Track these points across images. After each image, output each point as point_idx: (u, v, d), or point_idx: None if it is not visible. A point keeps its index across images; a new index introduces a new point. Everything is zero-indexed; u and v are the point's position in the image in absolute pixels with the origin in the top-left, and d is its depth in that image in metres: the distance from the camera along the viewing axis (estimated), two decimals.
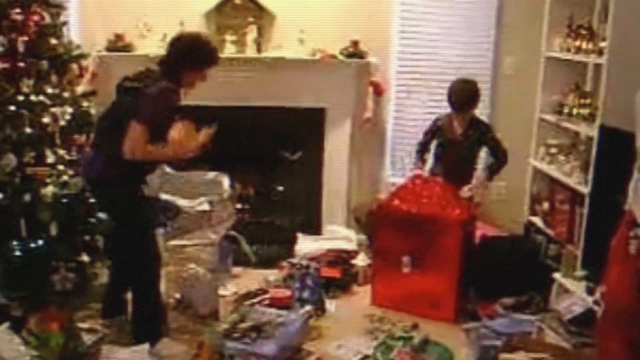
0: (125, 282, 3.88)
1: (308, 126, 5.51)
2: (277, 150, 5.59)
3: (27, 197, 3.99)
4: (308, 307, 4.26)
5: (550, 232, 4.89)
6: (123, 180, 3.65)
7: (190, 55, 3.75)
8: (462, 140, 4.82)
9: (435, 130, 4.94)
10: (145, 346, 3.65)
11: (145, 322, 3.81)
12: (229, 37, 5.19)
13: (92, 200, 4.13)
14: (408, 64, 5.54)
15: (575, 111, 4.78)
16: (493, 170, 4.84)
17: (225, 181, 4.70)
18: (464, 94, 4.75)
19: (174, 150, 3.69)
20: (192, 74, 3.76)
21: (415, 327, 4.28)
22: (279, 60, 5.20)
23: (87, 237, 4.35)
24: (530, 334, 3.90)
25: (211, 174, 4.72)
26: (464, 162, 4.78)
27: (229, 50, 5.18)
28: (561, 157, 4.88)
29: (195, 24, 5.16)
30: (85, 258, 4.33)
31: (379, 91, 5.43)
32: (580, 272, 4.36)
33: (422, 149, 4.99)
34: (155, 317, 3.88)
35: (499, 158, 4.82)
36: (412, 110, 5.62)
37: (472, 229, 4.71)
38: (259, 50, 5.25)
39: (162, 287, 4.18)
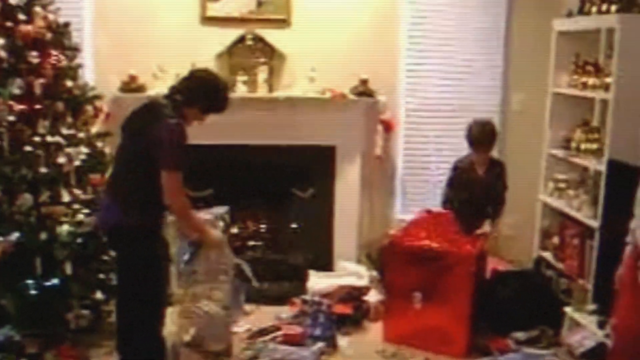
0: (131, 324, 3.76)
1: (319, 164, 5.57)
2: (288, 187, 5.64)
3: (43, 236, 4.05)
4: (320, 344, 4.28)
5: (560, 266, 4.90)
6: (144, 226, 3.59)
7: (205, 97, 3.71)
8: (484, 178, 4.89)
9: (456, 177, 4.99)
10: None
11: None
12: (240, 78, 5.28)
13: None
14: (417, 101, 5.61)
15: (583, 146, 4.82)
16: (498, 211, 4.94)
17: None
18: (484, 134, 4.82)
19: (205, 234, 3.83)
20: (197, 114, 3.73)
21: None
22: (290, 100, 5.29)
23: (101, 275, 4.39)
24: None
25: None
26: (486, 199, 4.88)
27: (240, 90, 5.26)
28: (570, 192, 4.91)
29: (208, 65, 5.20)
30: (99, 295, 4.38)
31: (388, 128, 5.50)
32: (591, 306, 4.37)
33: (446, 199, 5.02)
34: (159, 357, 3.81)
35: (503, 199, 4.93)
36: (422, 146, 5.68)
37: (484, 264, 4.73)
38: (270, 89, 5.34)
39: (175, 325, 4.22)
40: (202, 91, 3.71)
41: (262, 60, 5.30)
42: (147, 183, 3.52)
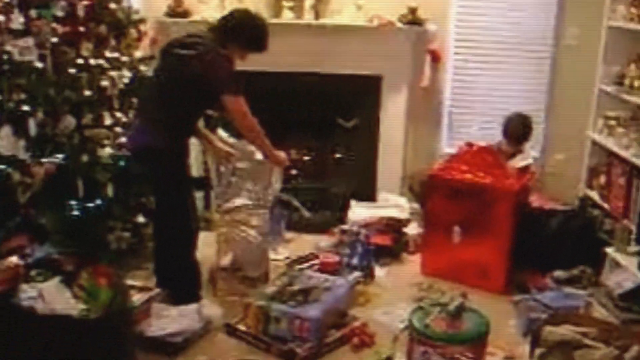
0: (166, 246, 3.95)
1: (364, 94, 5.49)
2: (333, 117, 5.58)
3: (85, 158, 4.10)
4: (357, 274, 4.30)
5: (606, 206, 4.80)
6: (172, 149, 3.71)
7: (243, 34, 3.78)
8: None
9: None
10: (194, 306, 3.74)
11: (183, 285, 3.91)
12: (286, 3, 5.19)
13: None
14: (466, 31, 5.45)
15: (636, 83, 4.66)
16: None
17: None
18: (519, 129, 4.98)
19: (272, 153, 3.99)
20: (237, 50, 3.78)
21: (463, 296, 4.22)
22: (337, 27, 5.19)
23: (142, 199, 4.46)
24: (578, 309, 3.86)
25: None
26: None
27: (286, 16, 5.19)
28: (620, 130, 4.77)
29: None
30: (140, 219, 4.45)
31: (436, 59, 5.37)
32: (633, 247, 4.28)
33: None
34: (193, 280, 3.98)
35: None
36: (470, 79, 5.54)
37: (526, 199, 4.66)
38: (316, 16, 5.25)
39: (213, 249, 4.28)
40: (241, 28, 3.79)
41: None
42: (182, 109, 3.69)
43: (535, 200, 4.90)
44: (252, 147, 4.24)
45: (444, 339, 3.28)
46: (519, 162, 4.76)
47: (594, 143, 5.08)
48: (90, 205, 4.10)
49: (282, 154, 4.14)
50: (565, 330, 3.27)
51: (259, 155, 4.17)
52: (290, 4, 5.19)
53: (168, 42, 3.86)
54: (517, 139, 4.99)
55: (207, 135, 4.20)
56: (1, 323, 2.84)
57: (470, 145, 4.70)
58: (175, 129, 3.71)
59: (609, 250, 4.47)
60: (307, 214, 5.03)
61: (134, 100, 4.45)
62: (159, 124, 3.70)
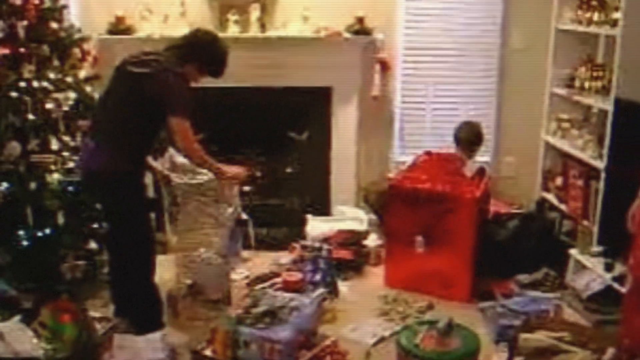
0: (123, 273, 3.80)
1: (315, 106, 5.42)
2: (284, 130, 5.49)
3: (32, 185, 3.93)
4: (321, 290, 4.19)
5: (564, 207, 4.82)
6: (131, 172, 3.59)
7: (205, 56, 3.70)
8: None
9: None
10: (158, 334, 3.59)
11: (144, 312, 3.76)
12: (232, 17, 5.08)
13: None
14: (414, 39, 5.42)
15: (587, 84, 4.71)
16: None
17: None
18: (469, 135, 5.02)
19: (221, 171, 3.85)
20: (194, 73, 3.70)
21: (430, 307, 4.23)
22: (284, 40, 5.10)
23: (94, 225, 4.28)
24: (547, 312, 3.84)
25: None
26: None
27: (232, 30, 5.08)
28: (574, 132, 4.81)
29: (198, 4, 5.09)
30: (93, 245, 4.28)
31: (386, 68, 5.33)
32: (597, 248, 4.29)
33: None
34: (154, 306, 3.84)
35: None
36: (420, 87, 5.51)
37: (486, 206, 4.65)
38: (263, 29, 5.15)
39: (173, 272, 4.14)
40: (201, 50, 3.70)
41: None
42: (140, 129, 3.58)
43: (492, 205, 4.88)
44: None
45: (435, 358, 3.24)
46: (470, 168, 4.74)
47: (548, 145, 5.10)
48: (41, 234, 3.93)
49: (233, 168, 4.04)
50: (540, 336, 3.25)
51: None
52: (236, 17, 5.08)
53: (123, 59, 3.71)
54: (468, 146, 5.00)
55: None
56: None
57: (428, 153, 4.66)
58: (132, 150, 3.58)
59: (572, 251, 4.48)
60: (253, 243, 4.91)
61: (81, 122, 4.26)
62: (115, 145, 3.55)
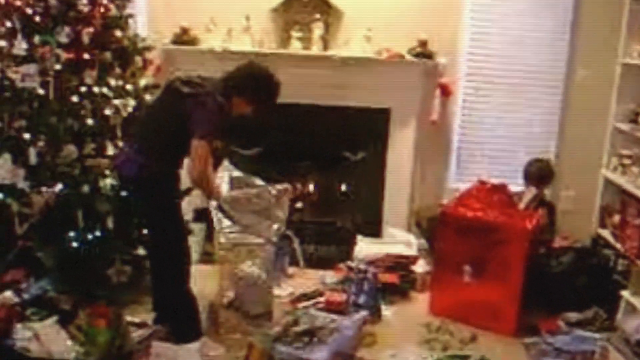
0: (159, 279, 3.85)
1: (372, 126, 5.39)
2: (339, 150, 5.47)
3: (85, 189, 3.99)
4: (363, 313, 4.15)
5: (619, 246, 4.67)
6: (164, 177, 3.62)
7: (256, 91, 3.70)
8: None
9: None
10: (196, 345, 3.60)
11: (182, 321, 3.78)
12: (295, 33, 5.11)
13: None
14: (478, 65, 5.36)
15: None
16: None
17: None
18: (541, 171, 4.97)
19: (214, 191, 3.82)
20: (243, 105, 3.72)
21: (473, 339, 4.14)
22: (345, 59, 5.10)
23: (143, 231, 4.32)
24: (593, 354, 3.72)
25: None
26: None
27: (294, 47, 5.10)
28: (635, 169, 4.67)
29: (262, 19, 5.12)
30: (141, 251, 4.32)
31: (446, 93, 5.28)
32: None
33: None
34: (191, 314, 3.85)
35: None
36: (481, 113, 5.45)
37: (540, 239, 4.54)
38: (325, 47, 5.16)
39: (216, 285, 4.15)
40: (253, 84, 3.71)
41: (318, 16, 5.10)
42: (175, 142, 3.59)
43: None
44: (257, 181, 4.15)
45: None
46: (524, 201, 4.65)
47: (607, 181, 4.97)
48: (90, 237, 3.99)
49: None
50: None
51: (263, 189, 4.06)
52: (299, 34, 5.11)
53: (176, 76, 3.77)
54: (538, 182, 4.94)
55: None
56: None
57: (482, 182, 4.58)
58: (164, 161, 3.61)
59: (625, 293, 4.33)
60: (302, 264, 4.90)
61: None
62: (148, 154, 3.61)
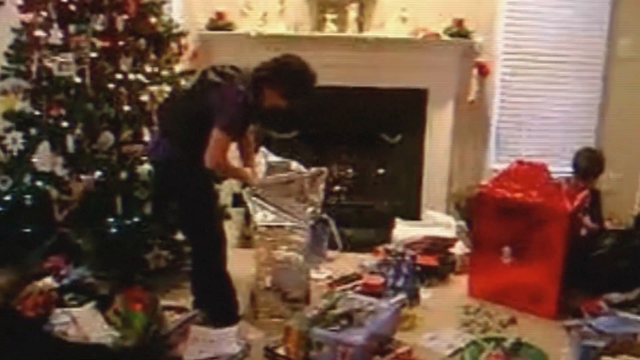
0: (196, 263, 3.87)
1: (409, 108, 5.36)
2: (376, 132, 5.45)
3: (123, 175, 4.03)
4: (401, 296, 4.13)
5: None
6: (191, 161, 3.59)
7: (289, 84, 3.64)
8: None
9: None
10: (233, 329, 3.62)
11: (220, 304, 3.80)
12: (329, 16, 5.09)
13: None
14: (515, 43, 5.30)
15: None
16: None
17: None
18: (591, 163, 4.74)
19: (245, 178, 3.85)
20: (276, 97, 3.66)
21: (512, 321, 4.08)
22: (381, 40, 5.07)
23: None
24: (636, 336, 3.64)
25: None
26: None
27: (329, 29, 5.09)
28: None
29: (296, 2, 5.11)
30: (179, 236, 4.35)
31: (483, 72, 5.23)
32: None
33: None
34: (229, 298, 3.86)
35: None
36: (519, 92, 5.37)
37: (580, 219, 4.47)
38: (360, 29, 5.14)
39: (254, 268, 4.17)
40: (287, 77, 3.64)
41: None
42: (200, 131, 3.54)
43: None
44: (294, 164, 4.15)
45: None
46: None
47: None
48: (129, 222, 4.03)
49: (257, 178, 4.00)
50: None
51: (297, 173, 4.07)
52: (334, 16, 5.09)
53: (211, 65, 3.76)
54: (588, 175, 4.77)
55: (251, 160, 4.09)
56: (32, 351, 2.74)
57: (520, 162, 4.51)
58: (191, 146, 3.58)
59: None
60: (340, 245, 4.87)
61: None
62: (175, 138, 3.63)
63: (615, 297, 4.19)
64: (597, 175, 4.81)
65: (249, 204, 3.95)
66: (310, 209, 4.03)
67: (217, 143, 3.50)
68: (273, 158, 4.27)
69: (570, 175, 4.80)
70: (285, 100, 3.68)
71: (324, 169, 4.18)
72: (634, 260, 4.42)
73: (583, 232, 4.56)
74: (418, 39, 5.05)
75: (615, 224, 4.93)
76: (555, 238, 4.13)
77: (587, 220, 4.57)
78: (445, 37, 5.08)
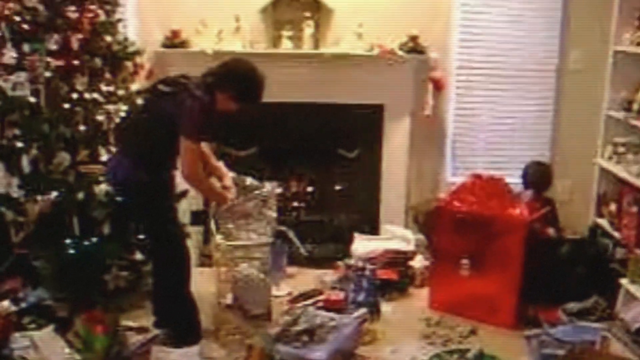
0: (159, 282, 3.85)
1: (366, 123, 5.38)
2: (334, 147, 5.46)
3: (80, 195, 3.99)
4: (363, 310, 4.15)
5: (617, 235, 4.67)
6: (153, 178, 3.60)
7: (238, 86, 3.64)
8: None
9: None
10: (195, 348, 3.60)
11: (181, 324, 3.78)
12: (285, 33, 5.10)
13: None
14: (469, 58, 5.36)
15: None
16: None
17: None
18: (540, 176, 4.86)
19: (219, 197, 3.88)
20: (227, 101, 3.65)
21: (473, 332, 4.13)
22: (337, 56, 5.09)
23: (140, 236, 4.32)
24: (594, 344, 3.71)
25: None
26: None
27: (285, 46, 5.10)
28: (630, 157, 4.65)
29: (252, 20, 5.11)
30: (138, 256, 4.31)
31: (439, 87, 5.28)
32: None
33: None
34: (190, 317, 3.84)
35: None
36: (474, 106, 5.44)
37: (542, 230, 4.54)
38: (316, 45, 5.15)
39: (214, 287, 4.15)
40: (235, 79, 3.65)
41: (308, 14, 5.09)
42: (159, 143, 3.58)
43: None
44: (248, 180, 4.16)
45: None
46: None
47: (603, 170, 4.96)
48: (87, 243, 3.98)
49: (225, 193, 3.98)
50: None
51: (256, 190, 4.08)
52: (290, 33, 5.10)
53: (159, 78, 3.76)
54: (536, 188, 4.85)
55: (219, 169, 4.08)
56: None
57: (477, 176, 4.57)
58: (151, 162, 3.60)
59: (623, 281, 4.33)
60: (303, 251, 4.88)
61: None
62: (138, 156, 3.62)
63: (573, 306, 4.28)
64: (545, 189, 4.89)
65: (212, 224, 3.95)
66: (270, 226, 4.04)
67: (187, 151, 3.50)
68: (231, 174, 4.26)
69: (520, 191, 4.86)
70: (236, 103, 3.67)
71: (274, 183, 4.20)
72: (590, 268, 4.51)
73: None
74: (374, 55, 5.09)
75: (569, 233, 4.99)
76: (513, 249, 4.19)
77: (550, 230, 4.65)
78: (401, 53, 5.13)
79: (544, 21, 5.30)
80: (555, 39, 5.29)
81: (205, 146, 3.96)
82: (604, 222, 4.89)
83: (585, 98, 5.19)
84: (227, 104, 3.66)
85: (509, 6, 5.29)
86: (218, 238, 4.05)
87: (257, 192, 4.12)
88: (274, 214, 4.15)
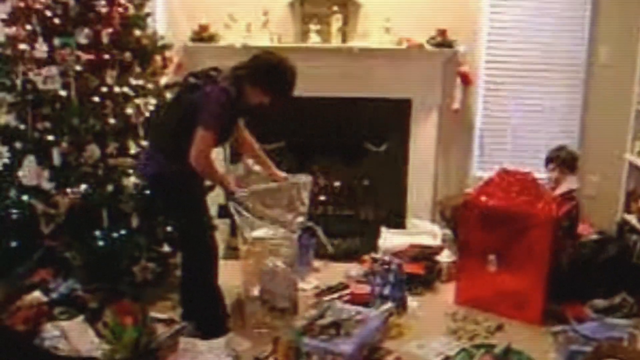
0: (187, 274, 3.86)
1: (394, 118, 5.38)
2: (361, 142, 5.47)
3: (109, 188, 4.04)
4: (389, 305, 4.16)
5: None
6: (185, 172, 3.59)
7: (267, 80, 3.64)
8: None
9: None
10: (222, 340, 3.63)
11: (209, 316, 3.81)
12: (313, 27, 5.11)
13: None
14: (497, 52, 5.34)
15: None
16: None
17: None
18: (571, 155, 4.79)
19: (224, 182, 3.79)
20: (257, 95, 3.66)
21: (499, 328, 4.11)
22: (365, 50, 5.09)
23: (168, 228, 4.36)
24: (621, 340, 3.68)
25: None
26: None
27: (313, 40, 5.11)
28: None
29: (280, 14, 5.13)
30: (166, 248, 4.36)
31: (467, 81, 5.26)
32: None
33: None
34: (218, 310, 3.87)
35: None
36: (502, 101, 5.42)
37: (574, 229, 4.51)
38: (344, 40, 5.16)
39: (241, 280, 4.17)
40: (267, 73, 3.65)
41: (336, 8, 5.10)
42: (188, 135, 3.53)
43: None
44: (281, 174, 4.17)
45: None
46: (561, 188, 4.59)
47: (632, 166, 4.91)
48: (115, 235, 4.02)
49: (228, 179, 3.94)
50: None
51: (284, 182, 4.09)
52: (317, 27, 5.11)
53: (190, 72, 3.78)
54: (566, 165, 4.76)
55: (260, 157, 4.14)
56: None
57: (505, 170, 4.55)
58: (183, 156, 3.57)
59: None
60: (330, 249, 4.89)
61: None
62: (168, 150, 3.64)
63: (600, 302, 4.23)
64: (574, 169, 4.79)
65: (236, 217, 3.95)
66: (299, 219, 4.05)
67: (200, 140, 3.49)
68: (257, 167, 4.28)
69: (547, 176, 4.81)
70: (267, 96, 3.68)
71: (309, 176, 4.20)
72: (616, 266, 4.47)
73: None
74: (402, 49, 5.08)
75: (597, 230, 4.95)
76: (540, 245, 4.16)
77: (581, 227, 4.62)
78: (429, 47, 5.12)
79: (573, 15, 5.25)
80: (584, 32, 5.25)
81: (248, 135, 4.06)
82: (632, 218, 4.85)
83: (615, 93, 5.15)
84: (258, 98, 3.67)
85: (537, 2, 5.25)
86: (245, 232, 4.06)
87: (284, 183, 4.10)
88: (306, 208, 4.14)
